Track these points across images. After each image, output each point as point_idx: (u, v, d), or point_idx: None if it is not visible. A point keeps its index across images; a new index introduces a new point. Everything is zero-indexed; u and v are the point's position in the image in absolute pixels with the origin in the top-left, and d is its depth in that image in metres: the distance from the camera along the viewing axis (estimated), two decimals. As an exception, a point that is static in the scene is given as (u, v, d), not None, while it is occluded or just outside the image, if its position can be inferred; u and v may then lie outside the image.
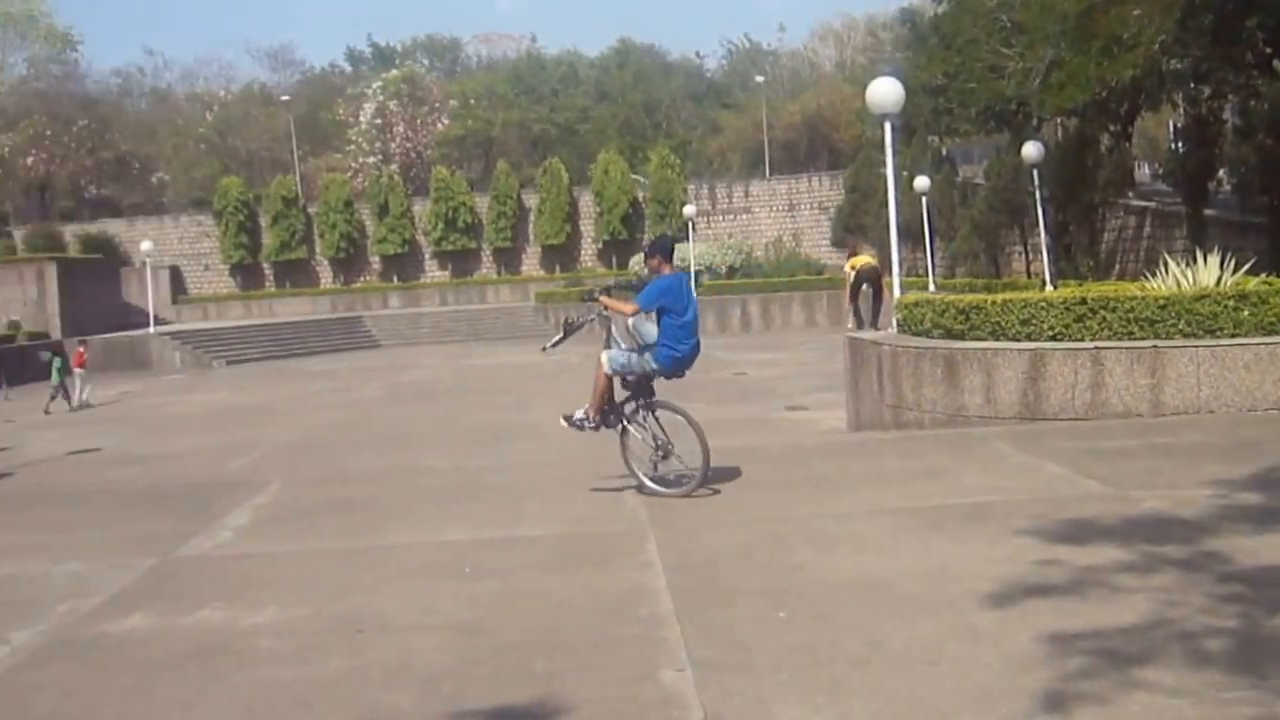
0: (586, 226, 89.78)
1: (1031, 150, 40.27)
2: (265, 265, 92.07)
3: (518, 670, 7.37)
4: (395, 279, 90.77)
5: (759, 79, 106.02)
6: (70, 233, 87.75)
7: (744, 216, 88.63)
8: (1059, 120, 49.51)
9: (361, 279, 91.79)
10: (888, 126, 23.03)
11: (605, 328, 13.14)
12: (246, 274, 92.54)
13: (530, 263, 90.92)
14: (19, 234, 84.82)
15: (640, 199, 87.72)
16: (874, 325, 31.05)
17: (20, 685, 7.74)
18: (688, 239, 72.59)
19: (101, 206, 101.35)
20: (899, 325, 21.08)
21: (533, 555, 10.40)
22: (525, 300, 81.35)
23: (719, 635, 7.79)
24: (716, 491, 12.89)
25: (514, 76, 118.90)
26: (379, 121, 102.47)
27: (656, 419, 12.97)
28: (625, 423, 13.05)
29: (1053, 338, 17.20)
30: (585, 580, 9.42)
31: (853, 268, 34.55)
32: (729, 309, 67.81)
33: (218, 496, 14.58)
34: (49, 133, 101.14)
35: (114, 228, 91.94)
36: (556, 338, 13.88)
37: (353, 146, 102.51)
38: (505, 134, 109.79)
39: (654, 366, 12.73)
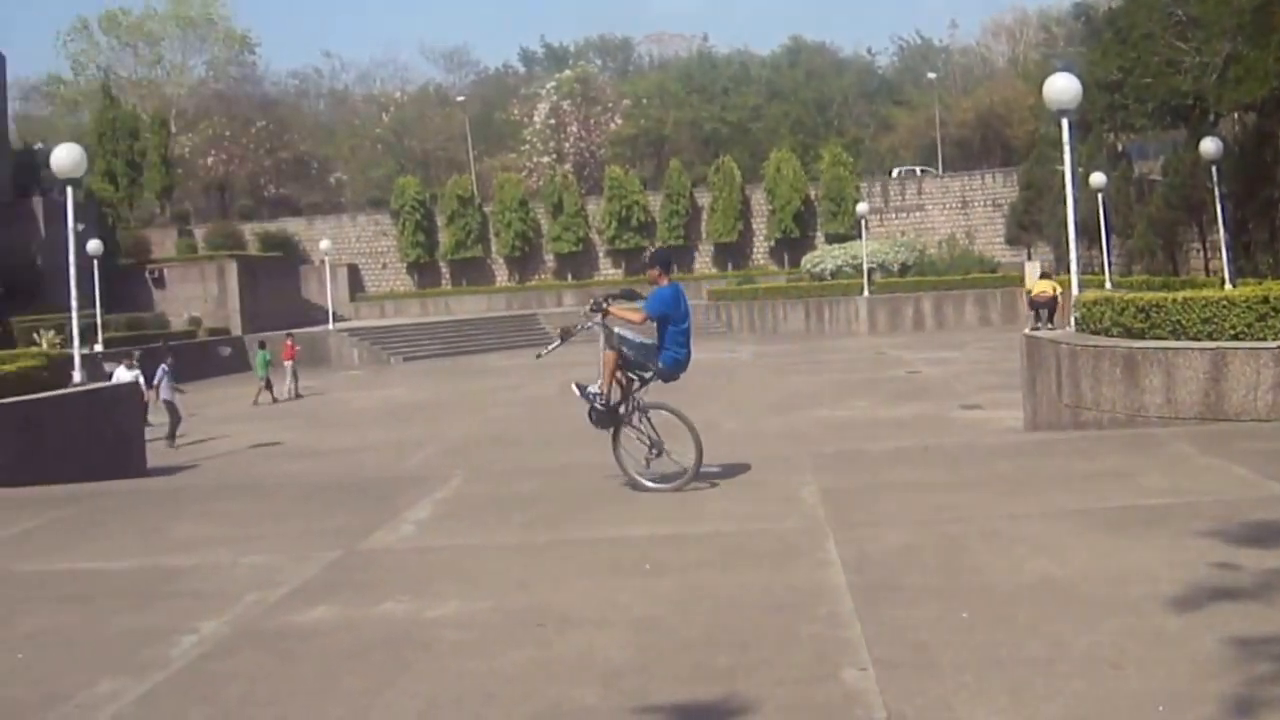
0: (758, 224, 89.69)
1: (1210, 146, 39.39)
2: (442, 263, 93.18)
3: (700, 667, 7.38)
4: (569, 277, 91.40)
5: (931, 75, 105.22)
6: (250, 231, 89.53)
7: (916, 214, 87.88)
8: (1237, 115, 48.41)
9: (536, 277, 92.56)
10: (1065, 123, 22.70)
11: (605, 334, 13.55)
12: (423, 272, 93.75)
13: (703, 260, 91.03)
14: (200, 232, 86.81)
15: (813, 196, 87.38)
16: (1050, 324, 30.77)
17: (210, 673, 7.90)
18: (860, 236, 72.16)
19: (280, 206, 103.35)
20: (1077, 324, 20.80)
21: (711, 552, 10.40)
22: (698, 298, 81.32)
23: (900, 635, 7.74)
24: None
25: (685, 75, 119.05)
26: (553, 121, 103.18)
27: (649, 420, 13.54)
28: (620, 425, 13.61)
29: (1234, 337, 16.84)
30: (764, 578, 9.39)
31: (1028, 291, 34.41)
32: (901, 307, 67.29)
33: (398, 490, 14.77)
34: (228, 133, 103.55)
35: (293, 226, 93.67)
36: (554, 344, 14.42)
37: (527, 146, 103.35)
38: (677, 133, 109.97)
39: (658, 365, 13.43)
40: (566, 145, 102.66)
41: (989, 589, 8.69)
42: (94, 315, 50.49)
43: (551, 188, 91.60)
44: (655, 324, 13.39)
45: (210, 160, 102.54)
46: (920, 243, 79.93)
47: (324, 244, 71.98)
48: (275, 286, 77.54)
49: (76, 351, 24.07)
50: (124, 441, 23.07)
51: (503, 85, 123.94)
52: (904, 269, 74.13)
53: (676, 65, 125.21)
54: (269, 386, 44.47)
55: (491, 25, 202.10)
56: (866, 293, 67.74)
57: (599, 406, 13.48)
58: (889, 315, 66.52)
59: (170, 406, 33.47)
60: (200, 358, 56.18)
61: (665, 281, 13.57)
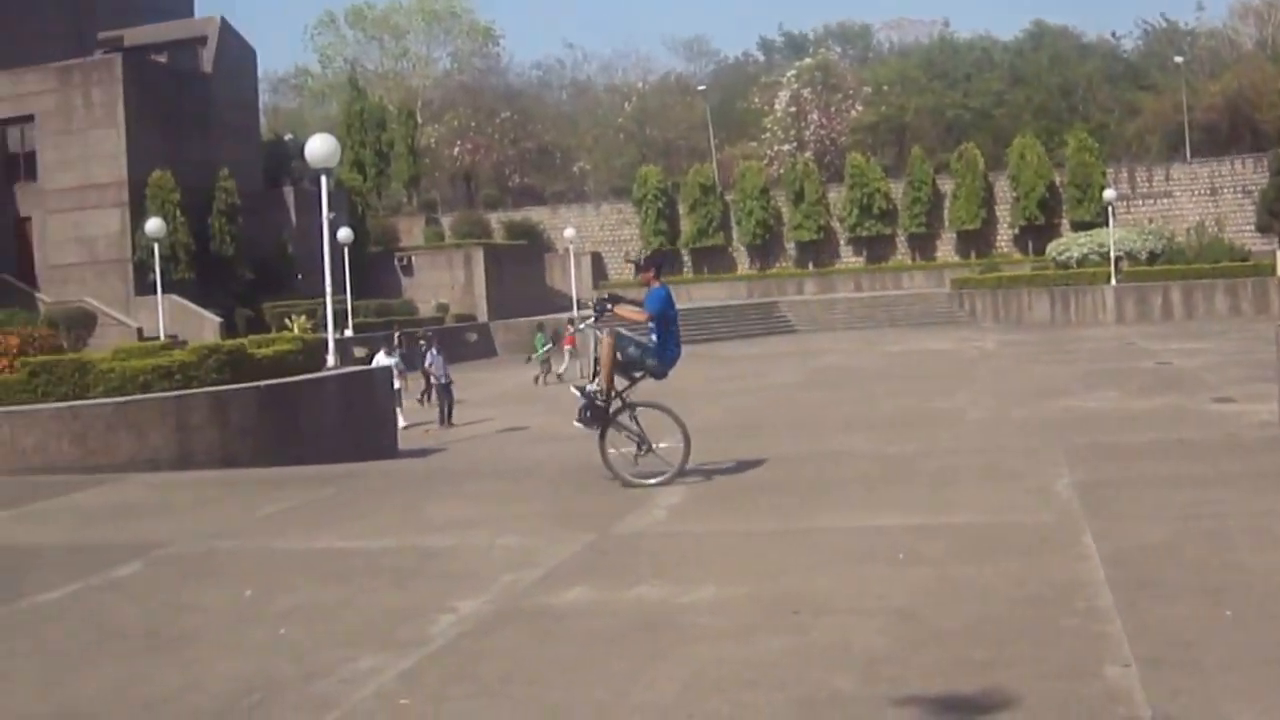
0: (1002, 211, 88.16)
1: None
2: (683, 251, 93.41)
3: (957, 659, 7.25)
4: (810, 265, 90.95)
5: (1177, 59, 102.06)
6: (495, 220, 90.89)
7: (1164, 201, 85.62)
8: None
9: (777, 265, 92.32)
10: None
11: (600, 334, 14.07)
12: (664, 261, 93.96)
13: (945, 248, 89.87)
14: (446, 221, 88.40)
15: (1057, 183, 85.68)
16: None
17: (470, 651, 8.01)
18: (1106, 224, 70.50)
19: (525, 195, 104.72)
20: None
21: (964, 543, 10.23)
22: (940, 286, 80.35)
23: (1162, 632, 7.51)
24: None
25: (926, 62, 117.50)
26: (793, 109, 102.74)
27: (636, 418, 13.78)
28: (608, 424, 13.83)
29: None
30: (1019, 570, 9.20)
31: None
32: (1149, 296, 65.54)
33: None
34: (473, 124, 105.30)
35: (537, 215, 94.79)
36: (547, 346, 15.20)
37: (767, 134, 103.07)
38: (918, 119, 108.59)
39: (651, 363, 13.79)
40: (807, 133, 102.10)
41: (1252, 586, 8.39)
42: (344, 301, 51.74)
43: (792, 175, 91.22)
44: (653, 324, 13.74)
45: (456, 150, 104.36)
46: (1168, 230, 77.75)
47: (568, 232, 72.65)
48: (520, 273, 78.55)
49: (331, 336, 24.65)
50: (376, 424, 23.55)
51: (742, 74, 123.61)
52: (1152, 257, 72.09)
53: (917, 52, 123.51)
54: (547, 370, 45.17)
55: (731, 15, 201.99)
56: (1114, 281, 66.16)
57: (599, 404, 13.70)
58: (1137, 305, 64.89)
59: (444, 389, 34.47)
60: (448, 343, 57.17)
61: (658, 284, 14.04)
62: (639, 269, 14.44)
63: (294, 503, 14.52)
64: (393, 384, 26.79)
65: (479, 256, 74.79)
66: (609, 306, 13.93)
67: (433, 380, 35.71)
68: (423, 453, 26.13)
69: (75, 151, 59.54)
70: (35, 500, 15.94)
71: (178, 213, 57.63)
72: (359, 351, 37.40)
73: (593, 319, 14.48)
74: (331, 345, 24.18)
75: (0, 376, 20.50)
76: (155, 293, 50.53)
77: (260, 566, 11.13)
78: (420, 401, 37.92)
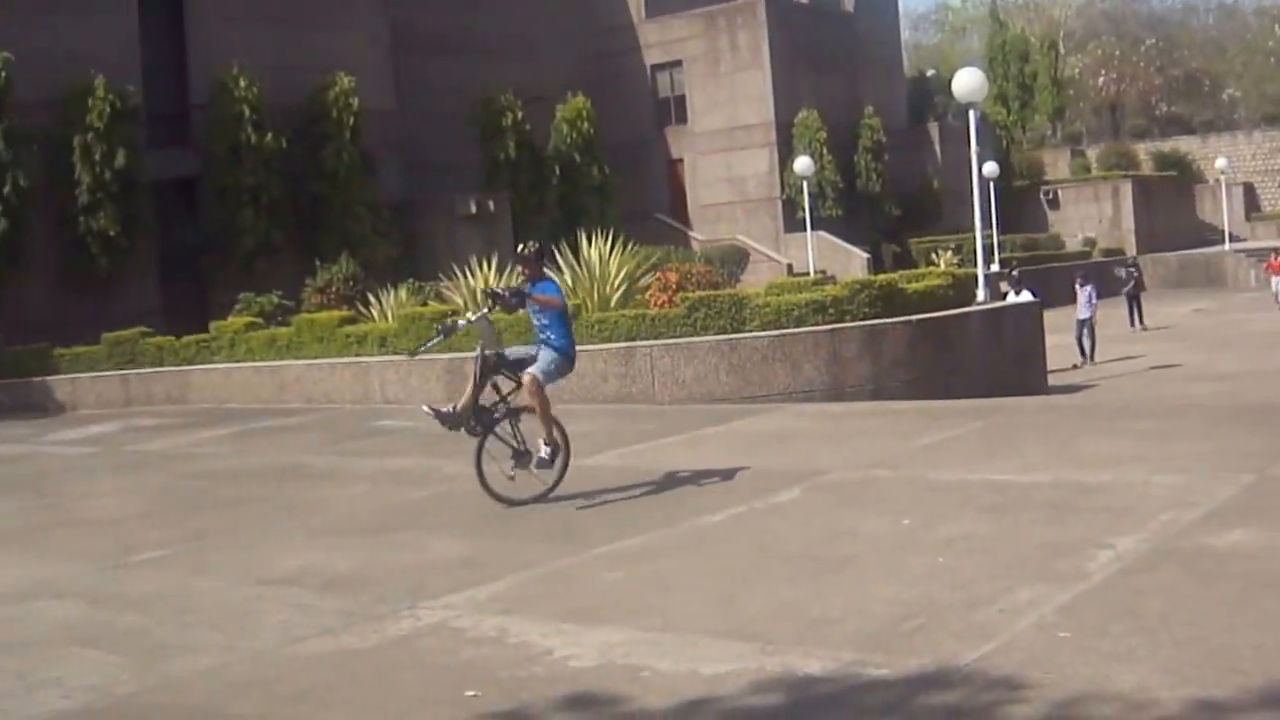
0: None
1: None
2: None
3: None
4: None
5: None
6: (1143, 151, 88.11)
7: None
8: None
9: None
10: None
11: (486, 332, 12.72)
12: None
13: None
14: (1092, 153, 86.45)
15: None
16: None
17: (1129, 589, 7.99)
18: None
19: (1171, 124, 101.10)
20: None
21: None
22: None
23: None
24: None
25: None
26: None
27: (519, 426, 12.47)
28: (488, 432, 12.45)
29: None
30: None
31: None
32: None
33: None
34: (1118, 53, 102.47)
35: (1186, 145, 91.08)
36: (433, 340, 13.77)
37: None
38: None
39: (560, 360, 12.45)
40: None
41: None
42: (991, 236, 51.57)
43: None
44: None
45: (1100, 80, 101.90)
46: None
47: (1220, 162, 69.73)
48: (1168, 206, 75.98)
49: (980, 271, 24.70)
50: (1025, 359, 23.46)
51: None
52: None
53: None
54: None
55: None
56: None
57: (452, 417, 12.43)
58: None
59: (1088, 326, 34.14)
60: (1096, 279, 55.98)
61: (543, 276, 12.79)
62: (527, 262, 12.68)
63: (947, 435, 14.76)
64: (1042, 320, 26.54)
65: (1126, 189, 72.76)
66: (504, 298, 12.67)
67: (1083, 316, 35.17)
68: (1070, 389, 25.88)
69: (723, 94, 61.63)
70: (701, 427, 16.92)
71: (824, 151, 58.78)
72: (1004, 287, 37.28)
73: (486, 310, 13.14)
74: (982, 280, 24.23)
75: (661, 311, 21.64)
76: (804, 229, 51.75)
77: (917, 496, 11.43)
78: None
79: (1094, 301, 34.89)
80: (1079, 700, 6.11)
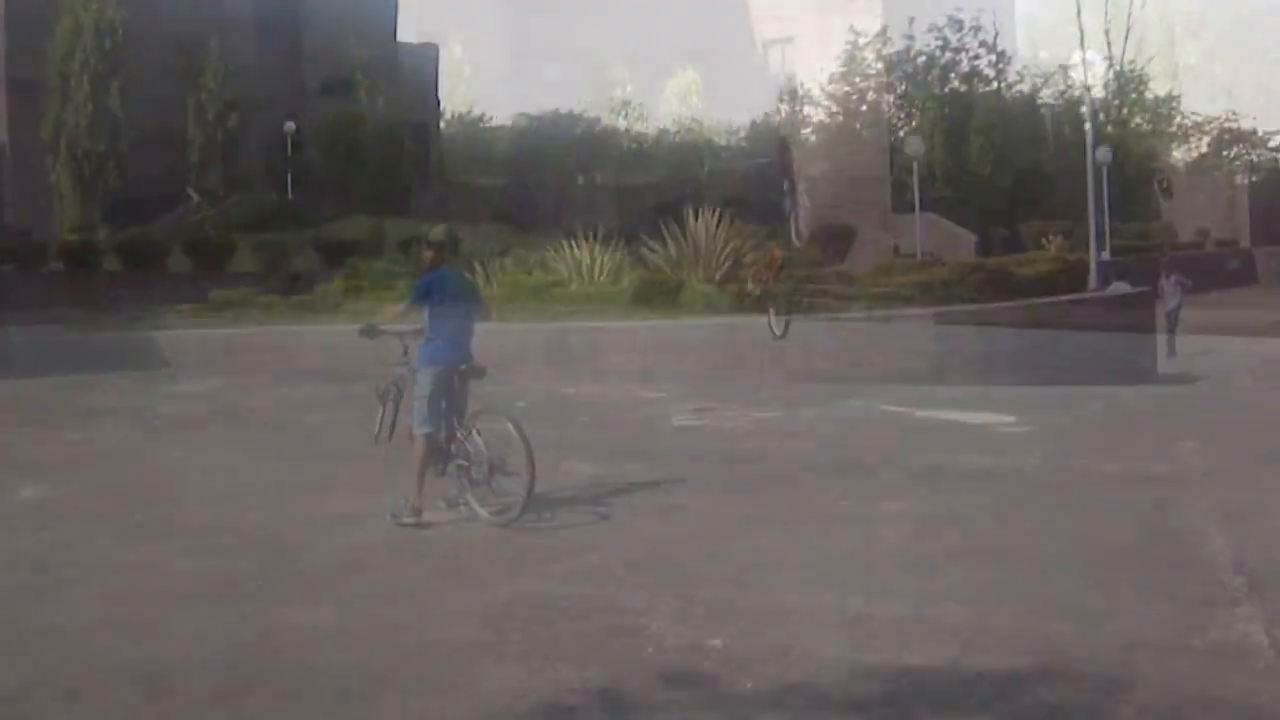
0: None
1: None
2: None
3: None
4: None
5: None
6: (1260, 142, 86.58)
7: None
8: None
9: None
10: None
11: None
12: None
13: None
14: (1206, 141, 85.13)
15: None
16: None
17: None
18: None
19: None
20: None
21: None
22: None
23: None
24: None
25: None
26: None
27: (479, 436, 10.85)
28: (448, 460, 11.03)
29: None
30: None
31: None
32: None
33: None
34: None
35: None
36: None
37: None
38: None
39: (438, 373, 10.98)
40: None
41: None
42: (1103, 223, 50.90)
43: None
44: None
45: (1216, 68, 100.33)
46: None
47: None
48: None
49: (1093, 258, 24.37)
50: (1133, 348, 23.08)
51: None
52: None
53: None
54: None
55: None
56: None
57: (410, 522, 10.71)
58: None
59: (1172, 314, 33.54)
60: (1206, 270, 55.07)
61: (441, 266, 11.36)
62: (432, 248, 11.48)
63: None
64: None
65: (1243, 179, 71.60)
66: (380, 331, 11.52)
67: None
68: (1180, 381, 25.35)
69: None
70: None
71: (935, 132, 58.32)
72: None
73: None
74: (1094, 267, 23.90)
75: (766, 287, 21.60)
76: (913, 211, 51.33)
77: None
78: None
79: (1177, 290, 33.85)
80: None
